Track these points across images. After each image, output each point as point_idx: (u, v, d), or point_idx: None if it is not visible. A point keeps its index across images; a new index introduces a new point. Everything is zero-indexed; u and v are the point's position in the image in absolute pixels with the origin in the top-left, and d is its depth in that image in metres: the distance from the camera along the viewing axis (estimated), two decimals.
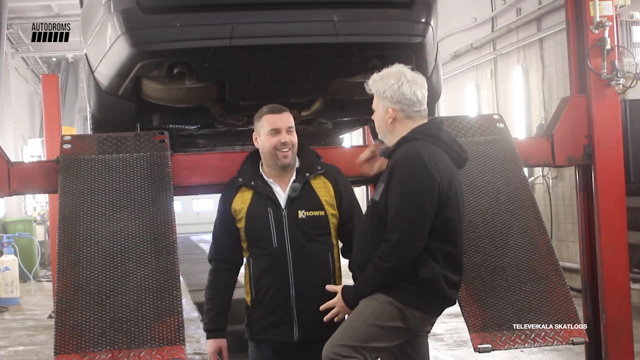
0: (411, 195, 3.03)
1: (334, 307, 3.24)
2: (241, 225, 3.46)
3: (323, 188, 3.50)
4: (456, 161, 3.22)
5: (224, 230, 3.51)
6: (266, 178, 3.49)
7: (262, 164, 3.54)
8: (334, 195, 3.49)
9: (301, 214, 3.42)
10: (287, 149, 3.42)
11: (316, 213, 3.44)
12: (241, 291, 3.60)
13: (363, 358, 3.03)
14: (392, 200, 3.05)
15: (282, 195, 3.46)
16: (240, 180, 3.51)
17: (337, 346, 3.04)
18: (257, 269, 3.43)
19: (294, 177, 3.48)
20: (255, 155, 3.59)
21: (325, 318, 3.24)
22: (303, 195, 3.44)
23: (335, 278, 3.48)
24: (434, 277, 3.08)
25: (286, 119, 3.45)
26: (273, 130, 3.41)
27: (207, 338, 3.51)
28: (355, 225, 3.47)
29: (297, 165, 3.51)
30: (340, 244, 3.57)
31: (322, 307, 3.25)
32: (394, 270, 3.05)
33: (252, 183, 3.48)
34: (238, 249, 3.52)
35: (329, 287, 3.32)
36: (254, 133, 3.53)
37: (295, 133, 3.48)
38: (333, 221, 3.48)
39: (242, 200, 3.47)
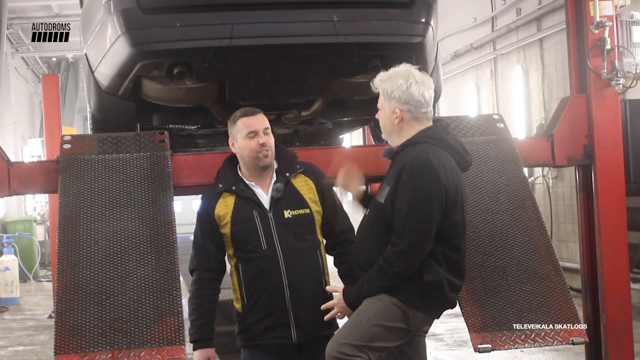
0: (420, 200, 3.01)
1: (333, 307, 3.24)
2: (226, 230, 3.41)
3: (305, 186, 3.47)
4: (461, 165, 3.21)
5: (207, 238, 3.44)
6: (247, 182, 3.45)
7: (239, 168, 3.50)
8: (317, 192, 3.47)
9: (287, 213, 3.40)
10: (267, 149, 3.39)
11: (302, 211, 3.42)
12: (229, 292, 3.56)
13: (367, 357, 3.03)
14: (401, 204, 3.04)
15: (264, 197, 3.42)
16: (221, 186, 3.46)
17: (341, 345, 3.04)
18: (247, 273, 3.39)
19: (274, 179, 3.45)
20: (232, 160, 3.55)
21: (326, 318, 3.24)
22: (286, 195, 3.42)
23: (325, 275, 3.46)
24: (438, 281, 3.08)
25: (261, 121, 3.42)
26: (251, 132, 3.37)
27: (194, 349, 3.42)
28: (339, 221, 3.48)
29: (275, 166, 3.48)
30: (324, 241, 3.54)
31: (323, 307, 3.24)
32: (400, 274, 3.05)
33: (234, 187, 3.43)
34: (221, 257, 3.47)
35: (329, 288, 3.32)
36: (229, 139, 3.48)
37: (271, 134, 3.44)
38: (318, 218, 3.46)
39: (225, 206, 3.42)
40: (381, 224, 3.13)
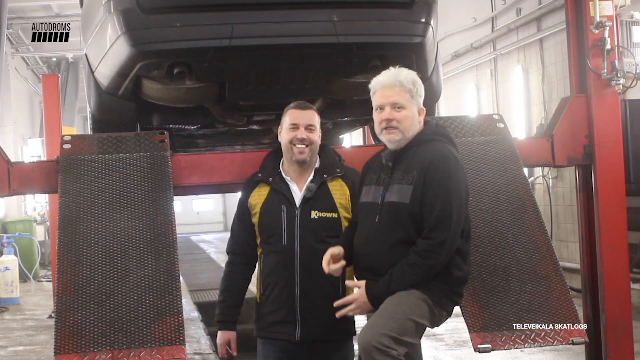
0: (455, 195, 3.08)
1: (348, 304, 3.17)
2: (255, 220, 3.51)
3: (339, 190, 3.51)
4: None
5: (241, 224, 3.57)
6: (284, 176, 3.52)
7: (282, 161, 3.58)
8: (350, 199, 3.50)
9: (314, 214, 3.45)
10: (304, 146, 3.45)
11: (329, 214, 3.46)
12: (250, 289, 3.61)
13: (398, 352, 2.97)
14: (434, 200, 3.06)
15: (298, 194, 3.49)
16: (260, 175, 3.57)
17: (381, 335, 2.96)
18: (266, 265, 3.47)
19: (311, 177, 3.51)
20: (277, 152, 3.63)
21: (339, 314, 3.17)
22: (318, 196, 3.47)
23: (343, 282, 3.46)
24: (465, 277, 3.17)
25: (308, 116, 3.48)
26: (293, 124, 3.46)
27: (218, 329, 3.55)
28: None
29: (317, 165, 3.55)
30: None
31: (337, 303, 3.18)
32: (433, 268, 3.07)
33: (270, 179, 3.52)
34: (253, 243, 3.56)
35: (349, 283, 3.27)
36: (279, 126, 3.57)
37: (316, 132, 3.49)
38: (345, 224, 3.48)
39: (259, 196, 3.51)
40: (405, 223, 3.11)
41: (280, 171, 3.54)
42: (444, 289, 3.11)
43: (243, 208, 3.56)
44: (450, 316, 3.24)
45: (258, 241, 3.53)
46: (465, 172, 3.18)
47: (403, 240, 3.12)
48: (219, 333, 3.54)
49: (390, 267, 3.11)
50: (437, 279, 3.09)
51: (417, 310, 3.07)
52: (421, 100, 3.24)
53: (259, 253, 3.54)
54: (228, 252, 3.62)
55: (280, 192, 3.48)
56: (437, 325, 3.23)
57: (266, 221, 3.47)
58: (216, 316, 3.58)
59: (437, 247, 3.04)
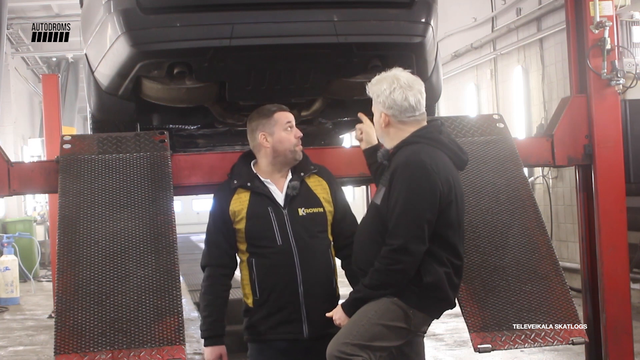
0: (413, 200, 3.03)
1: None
2: (240, 226, 3.47)
3: (319, 186, 3.55)
4: (457, 164, 3.22)
5: (220, 234, 3.51)
6: (262, 178, 3.52)
7: (254, 164, 3.56)
8: (330, 193, 3.56)
9: (301, 211, 3.46)
10: (300, 144, 3.54)
11: (315, 210, 3.49)
12: (238, 291, 3.59)
13: (367, 357, 3.04)
14: (394, 204, 3.06)
15: (279, 194, 3.49)
16: (236, 182, 3.53)
17: (342, 344, 3.06)
18: (261, 268, 3.43)
19: (290, 177, 3.52)
20: (247, 157, 3.62)
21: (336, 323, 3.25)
22: (301, 194, 3.49)
23: (335, 275, 3.52)
24: (437, 282, 3.09)
25: (294, 116, 3.58)
26: (289, 122, 3.50)
27: (206, 345, 3.49)
28: (349, 224, 3.53)
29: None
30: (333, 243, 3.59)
31: (328, 314, 3.27)
32: (396, 272, 3.06)
33: (249, 184, 3.50)
34: (233, 253, 3.54)
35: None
36: (260, 133, 3.53)
37: None
38: (329, 218, 3.53)
39: (240, 202, 3.48)
40: (379, 225, 3.15)
41: (256, 174, 3.54)
42: (417, 291, 3.09)
43: (223, 217, 3.50)
44: (438, 318, 3.23)
45: (244, 247, 3.50)
46: (440, 175, 3.07)
47: (376, 240, 3.14)
48: (209, 349, 3.46)
49: (365, 264, 3.17)
50: (409, 282, 3.09)
51: (386, 314, 3.08)
52: (381, 106, 3.24)
53: (245, 258, 3.50)
54: (204, 265, 3.54)
55: (263, 194, 3.47)
56: (422, 326, 3.22)
57: (255, 225, 3.44)
58: (203, 332, 3.50)
59: (392, 253, 3.04)
